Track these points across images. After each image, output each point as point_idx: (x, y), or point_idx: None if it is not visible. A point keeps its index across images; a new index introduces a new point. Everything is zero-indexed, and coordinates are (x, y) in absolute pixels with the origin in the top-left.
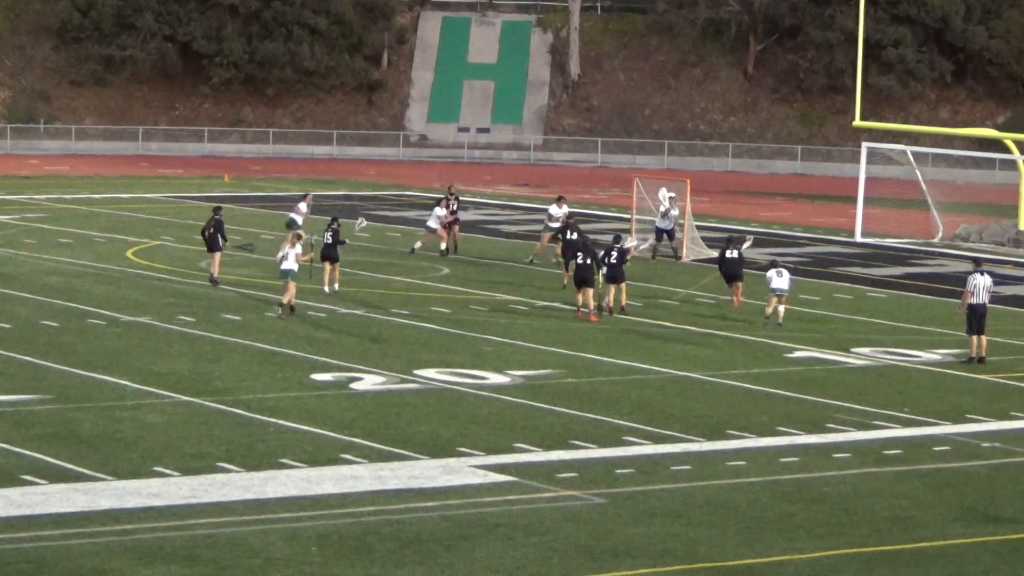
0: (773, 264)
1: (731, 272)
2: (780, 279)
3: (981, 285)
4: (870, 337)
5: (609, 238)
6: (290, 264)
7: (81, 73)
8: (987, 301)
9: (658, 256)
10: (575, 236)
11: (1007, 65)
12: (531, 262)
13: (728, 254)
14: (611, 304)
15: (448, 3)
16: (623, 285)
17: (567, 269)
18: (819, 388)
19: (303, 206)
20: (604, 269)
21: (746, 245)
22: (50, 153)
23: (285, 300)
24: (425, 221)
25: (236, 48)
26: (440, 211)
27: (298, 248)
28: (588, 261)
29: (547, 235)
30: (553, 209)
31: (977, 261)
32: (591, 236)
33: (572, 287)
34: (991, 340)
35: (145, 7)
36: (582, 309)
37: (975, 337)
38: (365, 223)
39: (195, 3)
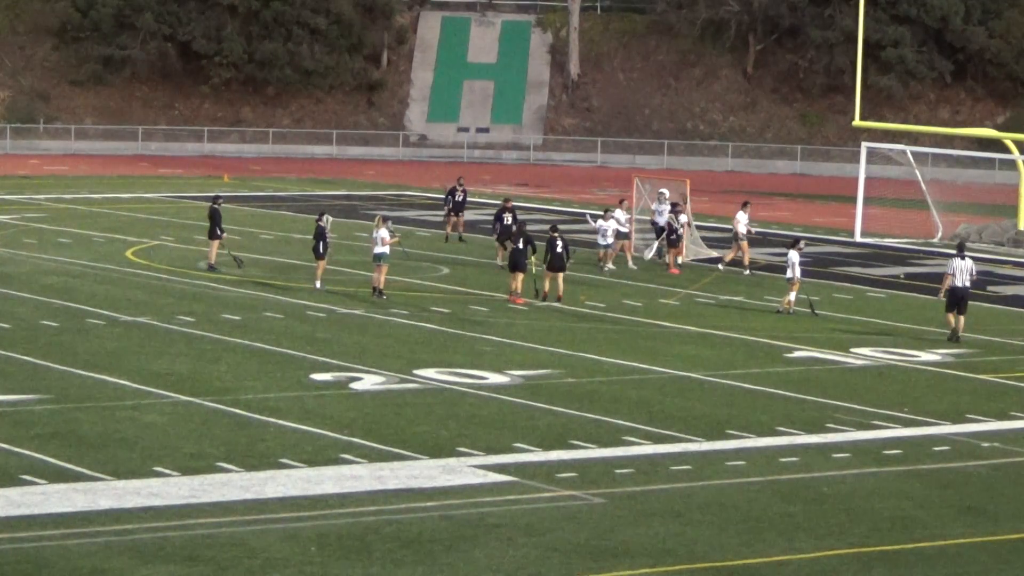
0: (796, 243)
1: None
2: (792, 270)
3: (962, 269)
4: (870, 337)
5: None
6: (380, 248)
7: (81, 73)
8: (969, 284)
9: (661, 257)
10: (510, 221)
11: (1007, 65)
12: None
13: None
14: (547, 291)
15: (448, 3)
16: (561, 275)
17: (502, 253)
18: (819, 388)
19: (621, 214)
20: (547, 256)
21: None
22: (50, 153)
23: (378, 284)
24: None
25: (236, 48)
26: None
27: (384, 232)
28: (521, 246)
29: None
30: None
31: (960, 246)
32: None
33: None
34: (990, 340)
35: (145, 7)
36: (513, 294)
37: (952, 315)
38: (329, 220)
39: (195, 3)
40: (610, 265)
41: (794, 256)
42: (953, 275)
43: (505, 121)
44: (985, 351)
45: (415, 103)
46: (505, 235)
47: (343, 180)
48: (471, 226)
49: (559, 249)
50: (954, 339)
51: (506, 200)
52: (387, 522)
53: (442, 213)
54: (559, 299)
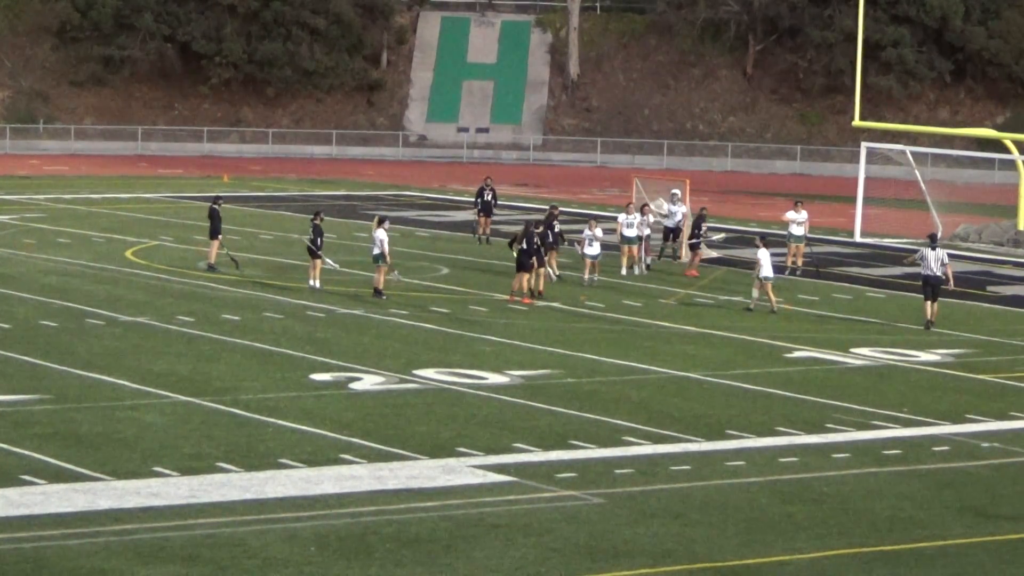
0: (763, 239)
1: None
2: (768, 267)
3: (933, 258)
4: (869, 337)
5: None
6: (378, 249)
7: (80, 73)
8: (940, 273)
9: (662, 257)
10: (558, 230)
11: (1006, 65)
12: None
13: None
14: (532, 287)
15: (447, 3)
16: (541, 270)
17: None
18: (818, 388)
19: (624, 217)
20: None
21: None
22: (49, 153)
23: (378, 284)
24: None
25: (235, 48)
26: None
27: (380, 232)
28: (528, 247)
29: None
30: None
31: (932, 237)
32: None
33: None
34: (990, 340)
35: (144, 7)
36: (516, 294)
37: (928, 303)
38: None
39: (194, 3)
40: (587, 275)
41: (762, 254)
42: (922, 263)
43: (505, 121)
44: (985, 351)
45: (415, 103)
46: (554, 244)
47: (343, 180)
48: (471, 225)
49: (535, 244)
50: (929, 327)
51: (553, 207)
52: (387, 522)
53: (473, 213)
54: (540, 294)
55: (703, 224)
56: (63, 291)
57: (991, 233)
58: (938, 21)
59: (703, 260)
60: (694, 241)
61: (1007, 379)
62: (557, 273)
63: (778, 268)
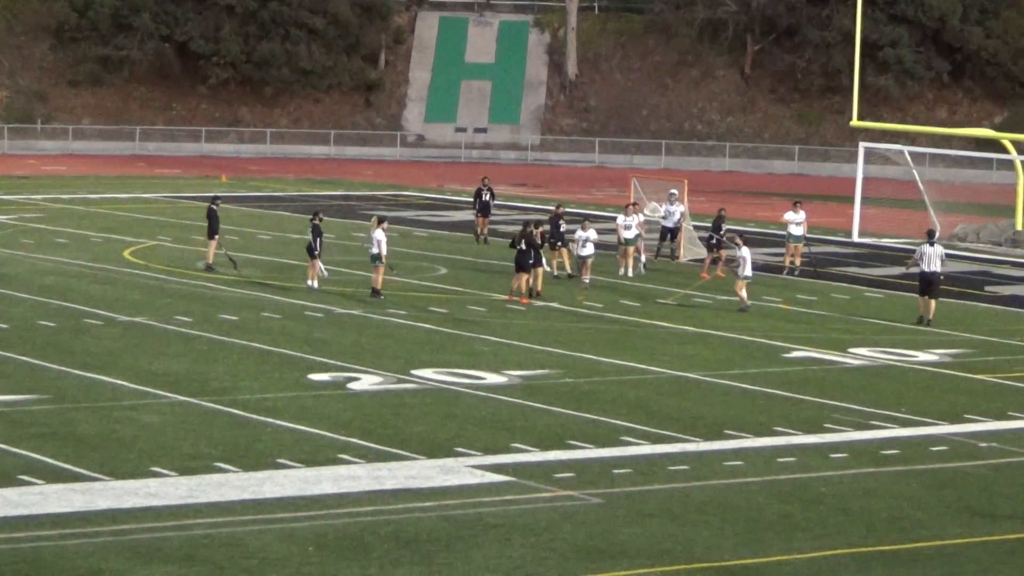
0: (741, 238)
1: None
2: (748, 266)
3: (931, 255)
4: (867, 337)
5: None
6: (376, 249)
7: (78, 73)
8: (938, 269)
9: (659, 256)
10: (564, 228)
11: (1004, 65)
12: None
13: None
14: (533, 288)
15: (445, 3)
16: (539, 270)
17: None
18: (816, 388)
19: (622, 218)
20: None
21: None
22: (47, 153)
23: (376, 284)
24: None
25: (233, 48)
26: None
27: (378, 233)
28: (526, 248)
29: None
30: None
31: (930, 233)
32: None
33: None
34: (988, 340)
35: (142, 7)
36: (515, 293)
37: (923, 299)
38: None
39: (192, 3)
40: (582, 275)
41: (745, 252)
42: (921, 260)
43: (503, 121)
44: (983, 351)
45: (413, 103)
46: (562, 242)
47: (341, 180)
48: (469, 226)
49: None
50: (923, 323)
51: (558, 207)
52: (385, 522)
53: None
54: (538, 294)
55: (723, 225)
56: (61, 291)
57: (989, 233)
58: (936, 21)
59: (697, 260)
60: (713, 242)
61: (1005, 379)
62: (557, 272)
63: (776, 268)
